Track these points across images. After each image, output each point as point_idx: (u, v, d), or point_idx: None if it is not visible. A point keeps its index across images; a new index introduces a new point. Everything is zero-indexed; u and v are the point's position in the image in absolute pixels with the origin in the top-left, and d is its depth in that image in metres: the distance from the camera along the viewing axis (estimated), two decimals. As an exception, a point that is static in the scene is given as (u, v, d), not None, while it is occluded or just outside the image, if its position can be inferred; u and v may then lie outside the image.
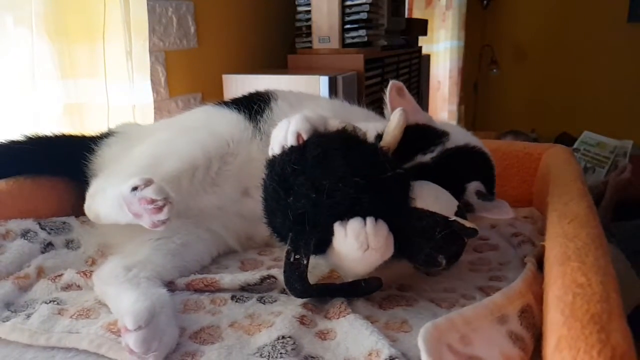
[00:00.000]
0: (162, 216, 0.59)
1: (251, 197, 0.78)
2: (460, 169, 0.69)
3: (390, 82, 0.68)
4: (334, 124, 0.63)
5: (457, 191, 0.66)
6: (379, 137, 0.65)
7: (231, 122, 0.80)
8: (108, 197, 0.64)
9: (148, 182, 0.59)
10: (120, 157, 0.75)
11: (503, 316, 0.53)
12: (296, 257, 0.58)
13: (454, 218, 0.58)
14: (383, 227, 0.57)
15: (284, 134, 0.60)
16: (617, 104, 3.43)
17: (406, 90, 0.67)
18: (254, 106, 0.82)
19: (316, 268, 0.68)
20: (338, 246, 0.58)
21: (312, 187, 0.57)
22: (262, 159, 0.78)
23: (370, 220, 0.56)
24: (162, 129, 0.84)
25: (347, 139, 0.61)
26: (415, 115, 0.70)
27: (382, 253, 0.57)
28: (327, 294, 0.63)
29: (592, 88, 3.55)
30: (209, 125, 0.79)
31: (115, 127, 0.87)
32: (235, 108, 0.82)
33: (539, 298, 0.56)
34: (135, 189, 0.59)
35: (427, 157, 0.66)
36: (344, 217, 0.57)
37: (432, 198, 0.59)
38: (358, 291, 0.63)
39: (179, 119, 0.87)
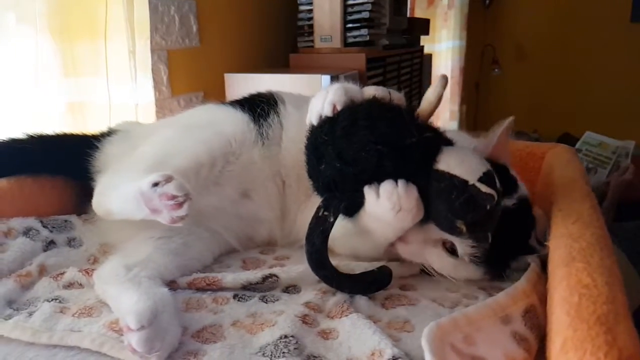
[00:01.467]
0: (182, 212, 0.59)
1: (251, 199, 0.78)
2: (529, 216, 0.68)
3: (509, 121, 0.68)
4: (369, 92, 0.65)
5: (527, 237, 0.66)
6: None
7: (235, 121, 0.79)
8: (122, 193, 0.64)
9: (169, 179, 0.59)
10: (125, 155, 0.74)
11: (507, 316, 0.53)
12: (325, 213, 0.61)
13: (472, 183, 0.56)
14: (414, 188, 0.58)
15: (321, 104, 0.64)
16: (620, 104, 3.43)
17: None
18: (257, 109, 0.81)
19: None
20: (370, 208, 0.60)
21: (337, 156, 0.61)
22: (263, 163, 0.77)
23: (401, 181, 0.58)
24: (166, 127, 0.83)
25: (375, 107, 0.63)
26: (506, 155, 0.70)
27: (413, 215, 0.59)
28: (335, 281, 0.63)
29: (595, 88, 3.54)
30: (213, 123, 0.79)
31: (117, 126, 0.87)
32: (239, 108, 0.82)
33: (544, 298, 0.56)
34: (155, 184, 0.59)
35: (510, 202, 0.65)
36: (370, 183, 0.59)
37: (455, 161, 0.58)
38: (370, 280, 0.63)
39: (182, 117, 0.87)
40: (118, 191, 0.66)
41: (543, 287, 0.57)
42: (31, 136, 0.82)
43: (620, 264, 0.46)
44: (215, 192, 0.76)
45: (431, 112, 0.63)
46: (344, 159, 0.60)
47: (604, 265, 0.44)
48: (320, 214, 0.62)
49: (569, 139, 2.69)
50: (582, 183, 0.70)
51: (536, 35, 3.71)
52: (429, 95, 0.63)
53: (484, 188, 0.56)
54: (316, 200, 0.73)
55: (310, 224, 0.62)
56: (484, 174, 0.57)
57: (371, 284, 0.64)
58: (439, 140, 0.61)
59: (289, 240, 0.82)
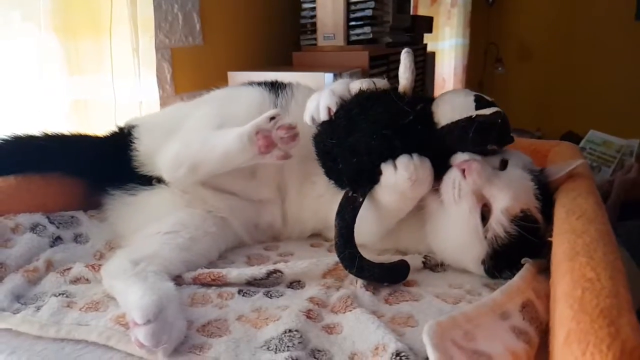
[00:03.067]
0: (294, 144, 0.66)
1: (256, 178, 0.79)
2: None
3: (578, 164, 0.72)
4: (355, 87, 0.70)
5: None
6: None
7: (255, 94, 0.83)
8: (226, 139, 0.68)
9: (281, 115, 0.65)
10: (169, 134, 0.76)
11: (504, 312, 0.53)
12: (354, 194, 0.66)
13: (475, 114, 0.63)
14: (427, 161, 0.64)
15: (314, 108, 0.70)
16: (624, 102, 3.41)
17: None
18: (276, 83, 0.86)
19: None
20: (387, 181, 0.65)
21: (350, 153, 0.66)
22: None
23: (416, 155, 0.64)
24: (199, 105, 0.85)
25: (364, 99, 0.68)
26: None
27: (427, 185, 0.65)
28: (358, 261, 0.64)
29: (598, 86, 3.53)
30: (239, 97, 0.83)
31: (130, 121, 0.86)
32: (256, 85, 0.86)
33: (540, 295, 0.57)
34: (273, 118, 0.65)
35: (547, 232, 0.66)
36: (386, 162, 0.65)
37: (449, 112, 0.65)
38: (390, 269, 0.65)
39: (208, 96, 0.89)
40: (216, 140, 0.70)
41: (539, 285, 0.58)
42: (47, 135, 0.82)
43: (624, 263, 0.46)
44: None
45: (412, 86, 0.70)
46: (358, 152, 0.65)
47: (607, 260, 0.45)
48: (349, 194, 0.67)
49: (572, 138, 2.69)
50: (586, 180, 0.70)
51: (540, 34, 3.70)
52: (402, 72, 0.70)
53: (487, 111, 0.63)
54: (313, 184, 0.78)
55: (340, 203, 0.67)
56: (475, 101, 0.65)
57: (391, 272, 0.65)
58: (429, 105, 0.68)
59: (295, 230, 0.83)
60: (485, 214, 0.64)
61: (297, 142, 0.66)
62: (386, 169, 0.65)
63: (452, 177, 0.65)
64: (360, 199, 0.66)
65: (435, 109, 0.67)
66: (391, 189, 0.65)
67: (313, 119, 0.71)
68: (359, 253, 0.64)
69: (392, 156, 0.65)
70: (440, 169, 0.66)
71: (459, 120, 0.64)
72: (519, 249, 0.63)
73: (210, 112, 0.80)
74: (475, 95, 0.66)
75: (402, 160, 0.64)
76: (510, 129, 0.67)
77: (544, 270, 0.61)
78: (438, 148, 0.65)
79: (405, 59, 0.70)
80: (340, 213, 0.66)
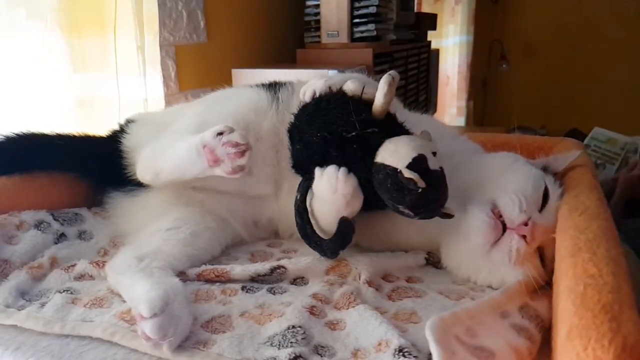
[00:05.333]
0: (242, 161, 0.62)
1: (253, 175, 0.78)
2: None
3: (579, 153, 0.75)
4: (346, 85, 0.68)
5: None
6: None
7: (254, 94, 0.82)
8: (178, 149, 0.67)
9: (231, 129, 0.63)
10: (156, 134, 0.76)
11: (504, 312, 0.54)
12: (297, 194, 0.68)
13: (400, 169, 0.58)
14: (353, 178, 0.63)
15: (306, 88, 0.70)
16: (628, 99, 3.39)
17: None
18: (275, 83, 0.85)
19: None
20: (314, 186, 0.65)
21: (300, 139, 0.68)
22: (271, 132, 0.79)
23: (343, 169, 0.63)
24: (194, 105, 0.85)
25: (333, 99, 0.67)
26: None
27: (348, 200, 0.63)
28: (319, 247, 0.68)
29: (603, 83, 3.51)
30: (238, 95, 0.83)
31: (131, 117, 0.86)
32: (255, 86, 0.85)
33: (535, 297, 0.58)
34: (220, 134, 0.63)
35: None
36: (323, 166, 0.65)
37: (389, 152, 0.61)
38: (337, 234, 0.66)
39: (206, 97, 0.88)
40: (171, 150, 0.68)
41: (536, 293, 0.59)
42: (51, 133, 0.82)
43: (629, 261, 0.47)
44: None
45: (383, 109, 0.64)
46: (303, 141, 0.67)
47: (610, 256, 0.45)
48: (295, 197, 0.68)
49: (577, 135, 2.68)
50: (589, 176, 0.70)
51: (544, 31, 3.69)
52: (378, 95, 0.64)
53: (407, 174, 0.57)
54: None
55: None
56: (413, 159, 0.58)
57: (338, 239, 0.67)
58: (384, 135, 0.63)
59: (287, 231, 0.82)
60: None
61: (246, 157, 0.62)
62: (317, 173, 0.64)
63: (514, 246, 0.61)
64: (298, 197, 0.67)
65: (385, 142, 0.62)
66: (318, 195, 0.65)
67: (304, 95, 0.71)
68: (320, 239, 0.67)
69: (325, 160, 0.64)
70: (372, 200, 0.64)
71: (387, 165, 0.60)
72: None
73: (195, 114, 0.78)
74: (419, 154, 0.59)
75: (328, 170, 0.63)
76: (434, 206, 0.61)
77: None
78: (367, 178, 0.63)
79: (384, 82, 0.63)
80: (297, 224, 0.69)
